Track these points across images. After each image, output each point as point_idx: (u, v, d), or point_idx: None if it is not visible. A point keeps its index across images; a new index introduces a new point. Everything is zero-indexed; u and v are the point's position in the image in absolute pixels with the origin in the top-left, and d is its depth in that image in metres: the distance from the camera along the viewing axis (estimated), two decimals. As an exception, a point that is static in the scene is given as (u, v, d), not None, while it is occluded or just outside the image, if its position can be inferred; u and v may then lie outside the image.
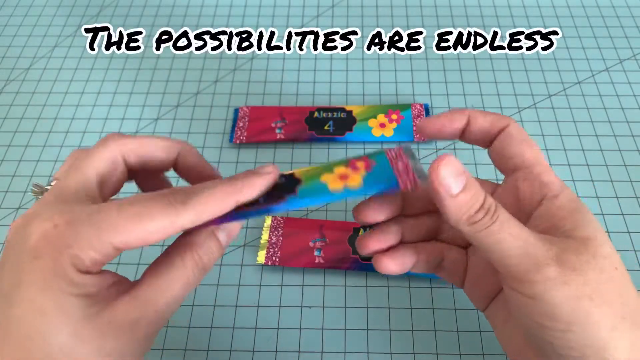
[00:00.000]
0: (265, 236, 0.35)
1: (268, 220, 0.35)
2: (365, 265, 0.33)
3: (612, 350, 0.19)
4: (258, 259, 0.34)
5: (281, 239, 0.35)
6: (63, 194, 0.20)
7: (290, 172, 0.23)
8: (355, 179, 0.21)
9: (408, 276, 0.33)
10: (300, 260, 0.34)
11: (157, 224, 0.19)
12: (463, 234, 0.21)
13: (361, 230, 0.34)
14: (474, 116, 0.24)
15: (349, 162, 0.22)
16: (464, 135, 0.24)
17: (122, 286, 0.20)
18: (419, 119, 0.40)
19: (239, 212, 0.21)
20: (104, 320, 0.19)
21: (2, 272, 0.19)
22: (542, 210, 0.22)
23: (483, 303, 0.25)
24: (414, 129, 0.40)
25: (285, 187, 0.22)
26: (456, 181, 0.20)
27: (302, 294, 0.33)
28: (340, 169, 0.22)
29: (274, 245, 0.34)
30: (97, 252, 0.19)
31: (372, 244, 0.24)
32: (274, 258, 0.34)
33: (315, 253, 0.34)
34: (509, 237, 0.20)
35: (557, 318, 0.19)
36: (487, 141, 0.24)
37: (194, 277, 0.21)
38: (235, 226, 0.23)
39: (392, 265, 0.24)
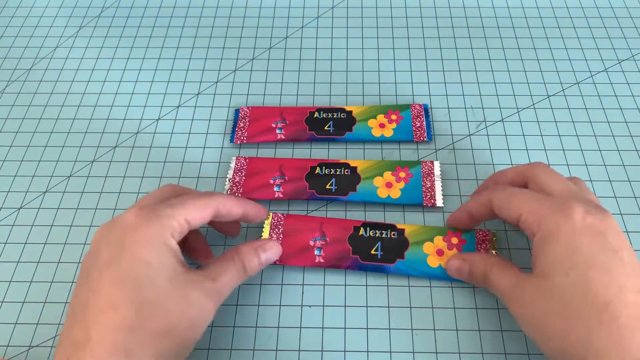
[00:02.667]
0: (265, 234, 0.35)
1: (268, 219, 0.35)
2: (364, 265, 0.33)
3: None
4: None
5: (281, 237, 0.35)
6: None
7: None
8: (396, 193, 0.36)
9: (408, 276, 0.34)
10: (300, 259, 0.34)
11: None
12: None
13: (361, 229, 0.35)
14: (467, 211, 0.33)
15: (395, 169, 0.37)
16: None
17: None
18: (418, 119, 0.40)
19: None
20: (189, 277, 0.26)
21: (101, 250, 0.26)
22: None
23: None
24: (414, 129, 0.40)
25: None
26: (459, 272, 0.32)
27: (303, 292, 0.33)
28: (388, 176, 0.37)
29: None
30: (178, 223, 0.27)
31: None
32: None
33: (316, 252, 0.34)
34: (497, 288, 0.29)
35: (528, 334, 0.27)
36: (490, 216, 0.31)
37: (240, 272, 0.29)
38: (274, 251, 0.32)
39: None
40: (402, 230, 0.35)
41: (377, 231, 0.35)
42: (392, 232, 0.34)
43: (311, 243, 0.34)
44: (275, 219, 0.35)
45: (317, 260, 0.34)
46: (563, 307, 0.24)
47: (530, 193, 0.28)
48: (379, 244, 0.34)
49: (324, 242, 0.34)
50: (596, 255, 0.24)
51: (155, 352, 0.24)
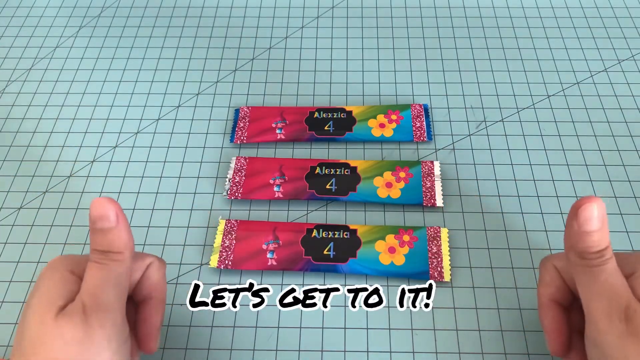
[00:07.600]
0: (218, 240, 0.35)
1: (221, 225, 0.35)
2: (317, 266, 0.33)
3: None
4: (210, 263, 0.34)
5: (234, 242, 0.35)
6: None
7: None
8: (396, 193, 0.35)
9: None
10: (253, 263, 0.34)
11: None
12: (568, 260, 0.24)
13: (314, 231, 0.35)
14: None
15: (395, 169, 0.37)
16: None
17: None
18: (418, 119, 0.40)
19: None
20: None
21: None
22: None
23: None
24: (414, 129, 0.40)
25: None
26: (596, 222, 0.23)
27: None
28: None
29: (227, 249, 0.34)
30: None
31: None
32: (226, 262, 0.34)
33: (268, 255, 0.34)
34: (603, 283, 0.22)
35: None
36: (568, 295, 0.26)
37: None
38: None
39: None
40: (355, 231, 0.35)
41: (329, 232, 0.35)
42: (345, 233, 0.35)
43: (264, 247, 0.34)
44: (229, 225, 0.35)
45: (269, 264, 0.34)
46: None
47: None
48: (331, 244, 0.34)
49: (276, 245, 0.34)
50: None
51: None
